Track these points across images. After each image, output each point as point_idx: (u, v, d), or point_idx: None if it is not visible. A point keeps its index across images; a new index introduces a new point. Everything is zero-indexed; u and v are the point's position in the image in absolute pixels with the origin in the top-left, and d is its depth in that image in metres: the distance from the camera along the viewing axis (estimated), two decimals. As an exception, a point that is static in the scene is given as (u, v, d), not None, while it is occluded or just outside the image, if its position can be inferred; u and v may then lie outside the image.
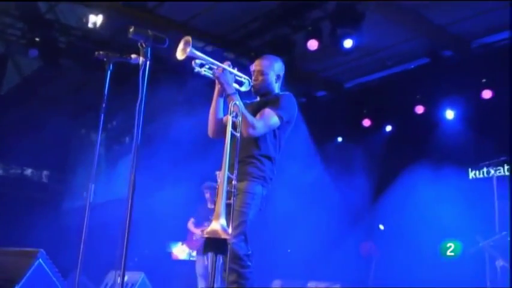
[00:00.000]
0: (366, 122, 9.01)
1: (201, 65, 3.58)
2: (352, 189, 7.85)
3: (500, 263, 5.67)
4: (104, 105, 3.66)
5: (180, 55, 3.46)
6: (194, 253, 7.88)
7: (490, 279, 5.66)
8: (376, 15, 7.35)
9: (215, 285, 3.16)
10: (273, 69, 3.85)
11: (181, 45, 3.48)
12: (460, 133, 8.04)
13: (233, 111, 3.30)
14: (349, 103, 9.25)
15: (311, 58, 8.31)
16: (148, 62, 3.32)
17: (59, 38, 8.31)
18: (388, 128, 8.87)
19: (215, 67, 3.59)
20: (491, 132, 7.69)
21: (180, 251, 10.74)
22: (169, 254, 10.93)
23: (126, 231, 3.16)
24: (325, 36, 7.30)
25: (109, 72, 3.71)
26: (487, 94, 7.82)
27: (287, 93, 3.78)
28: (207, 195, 7.07)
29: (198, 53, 3.53)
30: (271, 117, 3.58)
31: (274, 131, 3.65)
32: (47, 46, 7.97)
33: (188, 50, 3.43)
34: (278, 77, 3.88)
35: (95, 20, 7.67)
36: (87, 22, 7.70)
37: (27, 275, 2.18)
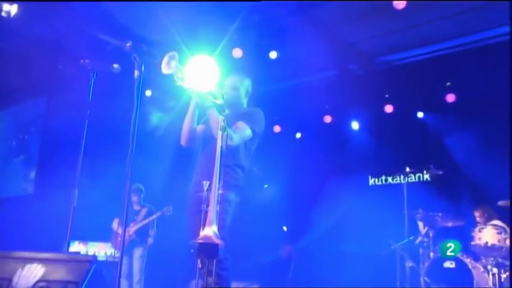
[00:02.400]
0: (277, 128, 9.65)
1: (183, 79, 3.91)
2: (264, 192, 8.47)
3: (409, 264, 6.56)
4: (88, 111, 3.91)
5: (165, 69, 3.76)
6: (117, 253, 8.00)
7: (400, 279, 6.51)
8: (293, 27, 7.99)
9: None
10: (243, 85, 4.29)
11: (166, 59, 3.78)
12: (364, 143, 8.98)
13: (222, 125, 3.68)
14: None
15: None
16: (142, 75, 3.63)
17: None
18: (298, 135, 9.59)
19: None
20: (391, 144, 8.71)
21: (77, 250, 10.71)
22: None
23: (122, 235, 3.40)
24: (249, 46, 7.79)
25: (93, 80, 3.94)
26: (389, 108, 8.79)
27: (257, 108, 4.24)
28: (135, 198, 7.27)
29: (182, 68, 3.86)
30: (245, 130, 4.02)
31: (245, 142, 4.09)
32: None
33: (174, 64, 3.75)
34: (247, 92, 4.33)
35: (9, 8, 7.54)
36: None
37: (88, 277, 2.41)
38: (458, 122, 8.14)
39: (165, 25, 8.05)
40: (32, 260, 2.58)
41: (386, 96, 8.79)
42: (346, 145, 9.12)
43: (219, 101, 4.16)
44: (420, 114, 8.72)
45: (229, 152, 3.99)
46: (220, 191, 3.64)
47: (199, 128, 4.20)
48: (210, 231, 3.45)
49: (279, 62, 8.59)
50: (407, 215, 6.60)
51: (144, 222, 7.21)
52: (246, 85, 4.33)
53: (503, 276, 6.09)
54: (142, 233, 7.24)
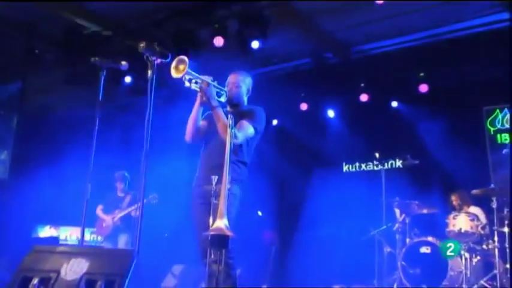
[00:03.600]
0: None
1: (190, 80, 4.18)
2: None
3: (387, 249, 7.02)
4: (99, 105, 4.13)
5: (175, 74, 4.02)
6: (100, 238, 8.21)
7: (378, 263, 6.98)
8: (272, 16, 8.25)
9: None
10: (245, 83, 4.59)
11: (174, 63, 4.03)
12: (339, 131, 9.40)
13: (231, 123, 3.95)
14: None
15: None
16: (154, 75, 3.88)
17: None
18: (275, 122, 9.91)
19: (200, 81, 4.22)
20: (366, 132, 9.16)
21: (48, 234, 10.86)
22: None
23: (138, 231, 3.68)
24: (231, 35, 8.02)
25: (103, 77, 4.16)
26: (364, 97, 9.20)
27: (259, 107, 4.54)
28: (120, 185, 7.47)
29: (191, 71, 4.13)
30: (248, 129, 4.32)
31: (248, 140, 4.39)
32: None
33: (182, 68, 4.01)
34: (248, 90, 4.62)
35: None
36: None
37: (131, 270, 2.67)
38: (430, 111, 8.58)
39: (144, 9, 8.25)
40: (76, 255, 2.83)
41: (362, 85, 9.16)
42: (322, 132, 9.49)
43: (223, 99, 4.44)
44: (394, 104, 9.16)
45: (233, 149, 4.29)
46: (228, 186, 3.94)
47: (202, 123, 4.48)
48: (221, 223, 3.75)
49: (255, 50, 8.85)
50: (384, 203, 7.04)
51: (129, 209, 7.44)
52: (247, 83, 4.62)
53: (475, 260, 6.61)
54: (127, 220, 7.47)
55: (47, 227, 10.84)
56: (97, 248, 2.95)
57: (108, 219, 7.48)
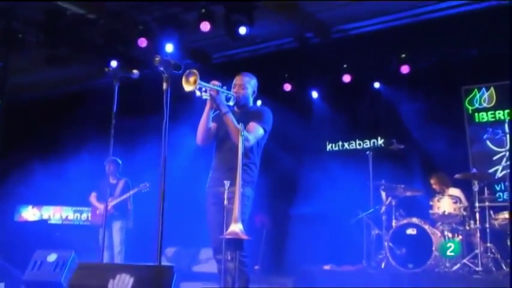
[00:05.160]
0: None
1: (200, 89, 4.45)
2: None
3: (375, 231, 7.49)
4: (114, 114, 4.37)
5: (187, 87, 4.27)
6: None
7: (367, 244, 7.44)
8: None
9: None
10: (251, 84, 4.87)
11: (184, 77, 4.27)
12: (322, 110, 9.77)
13: (242, 130, 4.24)
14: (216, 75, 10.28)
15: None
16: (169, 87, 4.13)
17: None
18: (259, 103, 10.15)
19: (209, 89, 4.49)
20: (348, 112, 9.55)
21: (31, 214, 11.05)
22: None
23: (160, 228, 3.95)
24: (217, 19, 8.21)
25: (117, 86, 4.39)
26: (347, 78, 9.52)
27: (266, 107, 4.84)
28: (113, 171, 7.65)
29: (202, 83, 4.38)
30: (258, 131, 4.62)
31: (258, 141, 4.70)
32: None
33: (193, 80, 4.27)
34: (254, 91, 4.91)
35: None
36: None
37: (172, 287, 2.95)
38: (411, 92, 8.98)
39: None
40: (120, 271, 3.12)
41: (345, 66, 9.47)
42: (305, 112, 9.84)
43: (231, 103, 4.72)
44: (376, 85, 9.53)
45: (244, 152, 4.60)
46: (241, 190, 4.26)
47: (212, 126, 4.76)
48: (236, 228, 4.08)
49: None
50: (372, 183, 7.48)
51: (122, 197, 7.68)
52: (253, 84, 4.90)
53: (457, 240, 7.13)
54: (120, 207, 7.72)
55: (30, 207, 11.03)
56: (138, 265, 3.21)
57: (102, 207, 7.69)
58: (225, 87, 4.64)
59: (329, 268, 7.55)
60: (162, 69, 4.09)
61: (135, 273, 3.11)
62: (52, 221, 10.94)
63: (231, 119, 4.48)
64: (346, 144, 9.94)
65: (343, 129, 9.70)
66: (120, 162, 7.85)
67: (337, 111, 9.71)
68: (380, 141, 9.53)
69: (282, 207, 9.07)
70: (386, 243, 7.17)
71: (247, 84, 4.86)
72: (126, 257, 7.69)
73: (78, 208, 11.05)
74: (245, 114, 4.73)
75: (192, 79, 4.28)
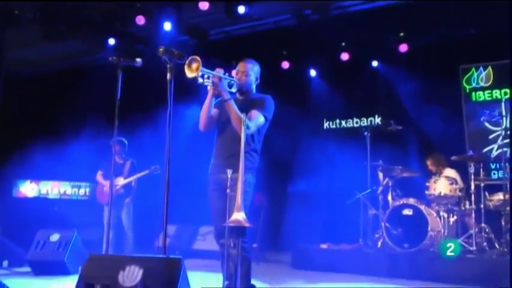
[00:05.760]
0: (234, 73, 10.22)
1: (202, 76, 4.52)
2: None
3: (372, 211, 7.65)
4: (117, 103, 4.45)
5: (189, 73, 4.34)
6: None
7: (363, 224, 7.60)
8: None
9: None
10: (254, 71, 4.94)
11: (187, 63, 4.33)
12: (320, 88, 9.86)
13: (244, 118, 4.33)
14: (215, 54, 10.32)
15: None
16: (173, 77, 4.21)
17: None
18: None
19: (211, 76, 4.56)
20: (347, 90, 9.64)
21: (29, 189, 11.17)
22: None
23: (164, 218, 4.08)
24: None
25: (120, 75, 4.46)
26: (345, 56, 9.60)
27: (268, 95, 4.91)
28: (119, 151, 7.72)
29: (204, 69, 4.45)
30: (259, 118, 4.71)
31: (259, 128, 4.79)
32: None
33: (195, 67, 4.33)
34: (256, 78, 4.98)
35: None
36: None
37: (180, 279, 3.08)
38: (409, 71, 9.06)
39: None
40: (130, 263, 3.24)
41: (343, 44, 9.53)
42: (303, 90, 9.92)
43: (234, 89, 4.80)
44: (375, 63, 9.61)
45: (246, 140, 4.69)
46: (243, 178, 4.37)
47: (214, 111, 4.84)
48: (239, 216, 4.18)
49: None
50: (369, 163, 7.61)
51: (132, 178, 7.75)
52: (256, 71, 4.96)
53: (452, 220, 7.32)
54: (126, 185, 7.79)
55: (28, 182, 11.14)
56: (147, 257, 3.35)
57: (107, 185, 7.72)
58: (227, 74, 4.71)
59: (326, 247, 7.71)
60: (165, 58, 4.17)
61: (144, 265, 3.24)
62: (50, 196, 11.06)
63: (232, 106, 4.56)
64: (343, 122, 10.06)
65: (341, 107, 9.80)
66: (126, 142, 7.89)
67: (335, 90, 9.80)
68: (377, 120, 9.65)
69: (280, 186, 9.22)
70: (382, 223, 7.32)
71: (250, 71, 4.92)
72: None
73: (76, 183, 11.20)
74: (247, 102, 4.81)
75: (194, 66, 4.33)
